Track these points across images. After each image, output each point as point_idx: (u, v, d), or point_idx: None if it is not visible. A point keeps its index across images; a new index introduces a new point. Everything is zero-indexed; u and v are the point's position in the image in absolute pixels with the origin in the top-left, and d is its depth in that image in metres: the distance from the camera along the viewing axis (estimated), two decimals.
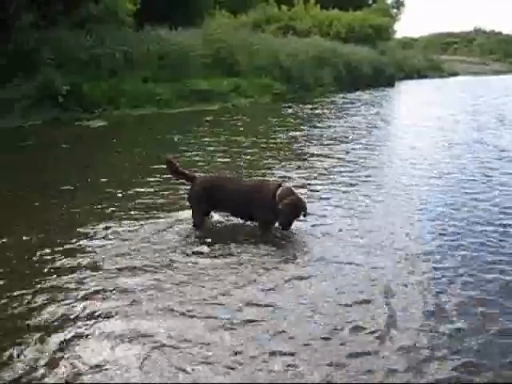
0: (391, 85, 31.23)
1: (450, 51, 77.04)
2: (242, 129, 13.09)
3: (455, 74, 48.47)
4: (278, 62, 22.68)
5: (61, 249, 4.95)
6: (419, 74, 41.39)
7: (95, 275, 4.37)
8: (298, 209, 5.25)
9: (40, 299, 3.98)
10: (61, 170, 8.74)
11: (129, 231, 5.39)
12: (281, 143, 10.83)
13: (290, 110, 17.05)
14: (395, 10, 54.79)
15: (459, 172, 8.14)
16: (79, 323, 3.63)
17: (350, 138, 11.51)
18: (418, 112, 16.75)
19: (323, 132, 12.26)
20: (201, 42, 20.16)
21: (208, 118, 14.78)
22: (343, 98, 21.97)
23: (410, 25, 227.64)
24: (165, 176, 7.10)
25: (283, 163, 8.74)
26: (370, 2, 47.13)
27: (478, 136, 11.70)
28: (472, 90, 28.11)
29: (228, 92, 18.83)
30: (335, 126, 13.24)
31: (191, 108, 16.83)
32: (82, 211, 6.16)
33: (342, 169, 8.35)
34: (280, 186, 5.37)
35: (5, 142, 11.64)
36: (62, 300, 3.97)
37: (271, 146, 10.49)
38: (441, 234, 5.35)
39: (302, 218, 5.37)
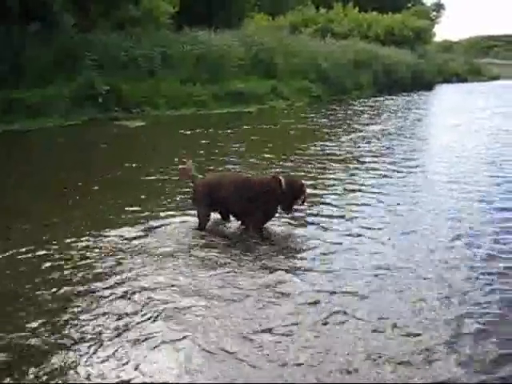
0: (429, 88, 30.81)
1: (492, 54, 75.64)
2: (270, 135, 12.94)
3: (496, 78, 47.51)
4: (315, 64, 22.58)
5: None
6: (459, 77, 40.73)
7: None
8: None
9: None
10: (96, 169, 8.88)
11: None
12: (305, 152, 10.28)
13: (324, 114, 16.89)
14: (435, 13, 54.06)
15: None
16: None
17: (380, 150, 10.43)
18: (453, 119, 16.12)
19: (351, 142, 11.53)
20: (239, 44, 20.21)
21: (242, 120, 14.83)
22: (379, 101, 21.75)
23: (450, 28, 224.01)
24: None
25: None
26: (410, 4, 46.64)
27: None
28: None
29: (265, 94, 18.85)
30: (367, 135, 12.65)
31: (228, 109, 16.88)
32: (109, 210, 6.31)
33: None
34: None
35: (45, 140, 11.92)
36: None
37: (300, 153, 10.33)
38: None
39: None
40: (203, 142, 11.31)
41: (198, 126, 13.81)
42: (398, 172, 8.43)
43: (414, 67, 30.63)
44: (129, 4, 19.68)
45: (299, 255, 4.89)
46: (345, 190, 7.29)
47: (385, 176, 8.18)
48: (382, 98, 22.79)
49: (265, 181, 5.47)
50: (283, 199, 5.37)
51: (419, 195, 7.06)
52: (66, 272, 4.49)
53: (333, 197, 6.89)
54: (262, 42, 21.02)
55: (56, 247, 5.02)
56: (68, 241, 5.17)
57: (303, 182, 5.64)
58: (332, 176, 8.11)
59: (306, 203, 5.65)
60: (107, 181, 7.88)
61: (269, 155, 9.57)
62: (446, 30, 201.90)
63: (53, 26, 15.84)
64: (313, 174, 8.10)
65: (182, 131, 12.89)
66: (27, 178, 8.13)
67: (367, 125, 14.43)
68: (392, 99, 22.78)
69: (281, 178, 5.42)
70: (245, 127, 13.65)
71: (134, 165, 8.89)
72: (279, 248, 5.05)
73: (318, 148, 10.55)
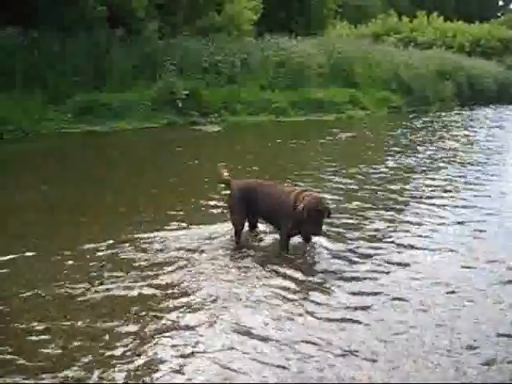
0: None
1: None
2: (346, 148, 12.39)
3: None
4: (396, 74, 22.00)
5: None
6: None
7: None
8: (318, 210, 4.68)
9: None
10: (169, 172, 8.85)
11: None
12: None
13: (404, 126, 16.01)
14: None
15: None
16: None
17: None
18: None
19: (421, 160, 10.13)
20: (319, 52, 19.98)
21: (319, 129, 14.53)
22: (462, 114, 20.66)
23: None
24: None
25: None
26: (499, 14, 44.96)
27: None
28: None
29: (344, 103, 18.48)
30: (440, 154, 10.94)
31: (306, 117, 16.68)
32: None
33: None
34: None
35: (123, 142, 12.15)
36: None
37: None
38: None
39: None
40: (272, 150, 11.17)
41: (273, 134, 13.69)
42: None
43: (502, 79, 29.33)
44: (211, 12, 19.91)
45: None
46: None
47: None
48: (465, 112, 21.72)
49: (289, 195, 4.88)
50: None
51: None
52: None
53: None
54: (342, 51, 20.69)
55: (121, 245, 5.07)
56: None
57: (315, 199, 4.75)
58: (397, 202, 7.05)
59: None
60: (177, 184, 7.89)
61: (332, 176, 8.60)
62: None
63: (137, 32, 16.20)
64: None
65: (257, 138, 12.80)
66: (101, 180, 8.29)
67: (438, 141, 12.89)
68: (475, 112, 21.66)
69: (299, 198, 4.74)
70: (320, 136, 13.26)
71: (205, 169, 8.78)
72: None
73: (387, 163, 9.64)
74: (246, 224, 5.30)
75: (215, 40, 17.77)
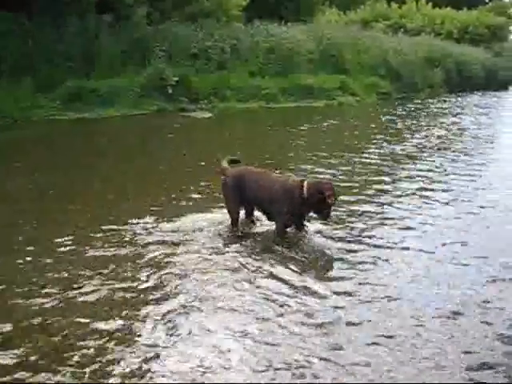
0: (505, 88, 29.57)
1: None
2: (333, 135, 12.30)
3: None
4: (386, 60, 22.01)
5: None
6: None
7: None
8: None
9: None
10: (159, 159, 8.83)
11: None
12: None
13: (392, 113, 15.98)
14: None
15: None
16: None
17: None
18: None
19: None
20: (309, 38, 19.95)
21: (309, 116, 14.54)
22: (450, 101, 20.77)
23: None
24: None
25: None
26: (487, 0, 44.87)
27: None
28: None
29: (334, 89, 18.46)
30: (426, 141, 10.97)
31: (297, 103, 16.70)
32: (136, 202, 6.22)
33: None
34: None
35: (113, 129, 12.12)
36: None
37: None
38: None
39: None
40: (262, 137, 11.15)
41: (263, 120, 13.68)
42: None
43: (489, 66, 29.45)
44: None
45: None
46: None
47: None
48: (453, 98, 21.81)
49: (286, 183, 4.85)
50: (307, 205, 4.76)
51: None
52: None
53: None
54: (332, 37, 20.66)
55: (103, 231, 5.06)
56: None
57: (330, 184, 4.85)
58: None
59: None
60: (167, 172, 7.89)
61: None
62: None
63: (126, 17, 16.09)
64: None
65: (247, 125, 12.79)
66: (90, 167, 8.27)
67: (425, 128, 12.71)
68: (463, 99, 21.74)
69: (304, 183, 4.76)
70: (310, 123, 13.24)
71: (196, 156, 8.80)
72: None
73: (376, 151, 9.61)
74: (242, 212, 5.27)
75: (204, 26, 17.69)
